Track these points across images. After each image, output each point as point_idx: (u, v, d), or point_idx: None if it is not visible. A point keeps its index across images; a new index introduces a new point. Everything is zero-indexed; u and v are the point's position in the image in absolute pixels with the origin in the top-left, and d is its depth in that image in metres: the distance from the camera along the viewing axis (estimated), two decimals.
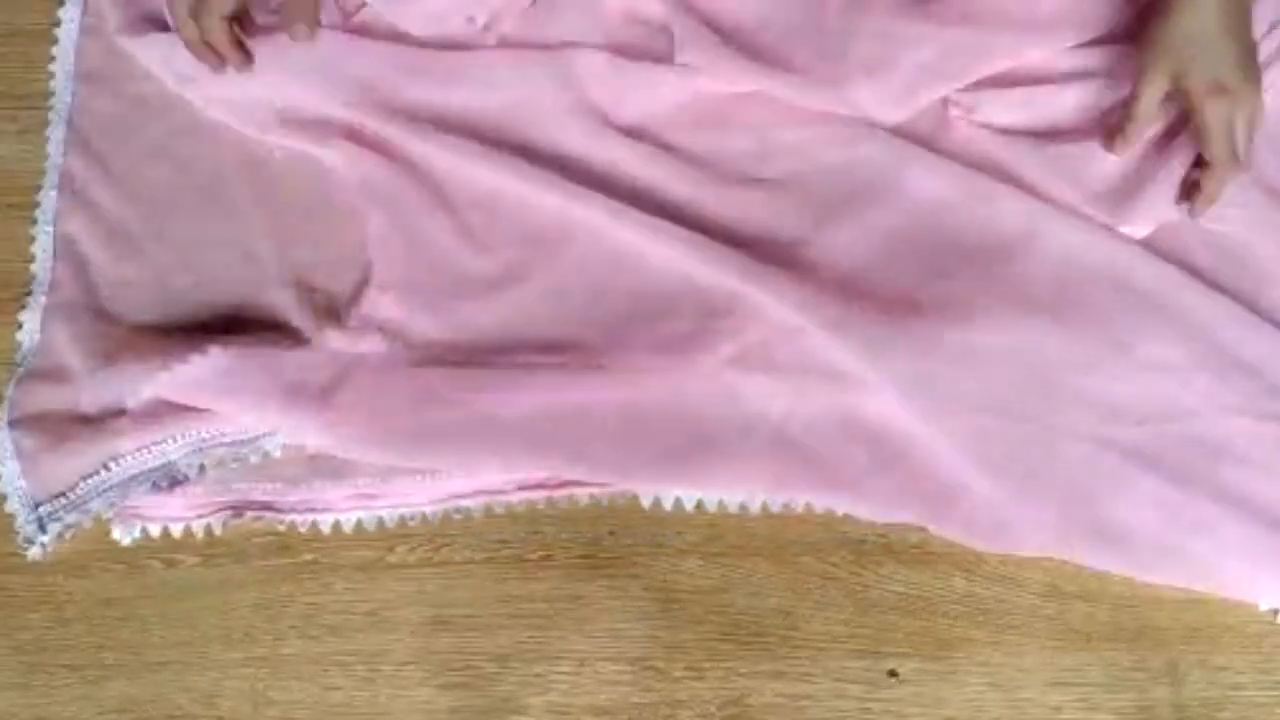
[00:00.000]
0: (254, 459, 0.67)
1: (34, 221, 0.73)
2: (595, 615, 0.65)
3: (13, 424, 0.66)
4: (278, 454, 0.67)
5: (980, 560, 0.66)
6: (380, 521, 0.67)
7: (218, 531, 0.67)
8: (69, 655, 0.65)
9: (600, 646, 0.65)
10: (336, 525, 0.67)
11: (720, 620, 0.65)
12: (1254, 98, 0.64)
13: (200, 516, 0.67)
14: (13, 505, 0.66)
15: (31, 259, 0.72)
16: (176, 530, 0.67)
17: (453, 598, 0.66)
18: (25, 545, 0.65)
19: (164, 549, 0.67)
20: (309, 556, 0.67)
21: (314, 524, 0.67)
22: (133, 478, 0.66)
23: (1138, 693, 0.63)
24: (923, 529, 0.66)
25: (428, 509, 0.67)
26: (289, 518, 0.67)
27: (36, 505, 0.65)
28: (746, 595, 0.66)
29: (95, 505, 0.66)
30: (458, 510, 0.67)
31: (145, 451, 0.66)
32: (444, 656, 0.65)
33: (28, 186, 0.74)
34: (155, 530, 0.67)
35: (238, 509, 0.67)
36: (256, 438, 0.67)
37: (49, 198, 0.73)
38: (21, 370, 0.69)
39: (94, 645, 0.65)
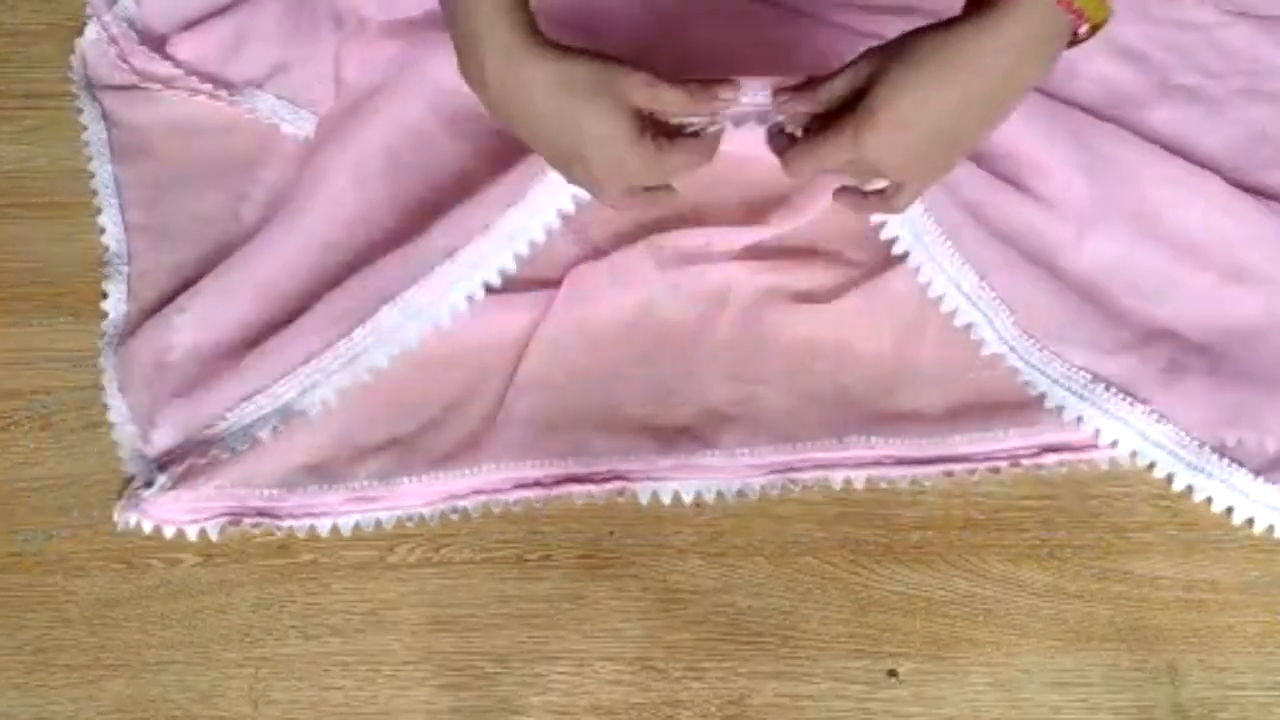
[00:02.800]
0: (366, 377, 0.68)
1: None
2: (595, 615, 0.65)
3: (122, 388, 0.70)
4: (384, 364, 0.68)
5: (980, 560, 0.66)
6: (378, 523, 0.67)
7: (214, 538, 0.67)
8: (69, 655, 0.65)
9: (600, 646, 0.65)
10: (335, 530, 0.67)
11: (720, 620, 0.65)
12: (909, 191, 0.57)
13: (195, 521, 0.67)
14: (125, 454, 0.69)
15: (29, 258, 0.73)
16: (169, 532, 0.67)
17: (453, 598, 0.66)
18: (144, 487, 0.66)
19: (164, 549, 0.67)
20: (308, 557, 0.67)
21: (312, 528, 0.67)
22: (253, 423, 0.67)
23: (1138, 693, 0.63)
24: (922, 529, 0.66)
25: (425, 511, 0.67)
26: (286, 523, 0.67)
27: (155, 458, 0.68)
28: (746, 595, 0.66)
29: (216, 451, 0.67)
30: (455, 511, 0.67)
31: (251, 401, 0.67)
32: (444, 656, 0.65)
33: (28, 188, 0.75)
34: (148, 527, 0.67)
35: (235, 515, 0.67)
36: (363, 352, 0.67)
37: (105, 170, 0.74)
38: (117, 337, 0.71)
39: (94, 645, 0.65)
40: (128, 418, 0.69)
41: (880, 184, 0.58)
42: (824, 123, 0.55)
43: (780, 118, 0.57)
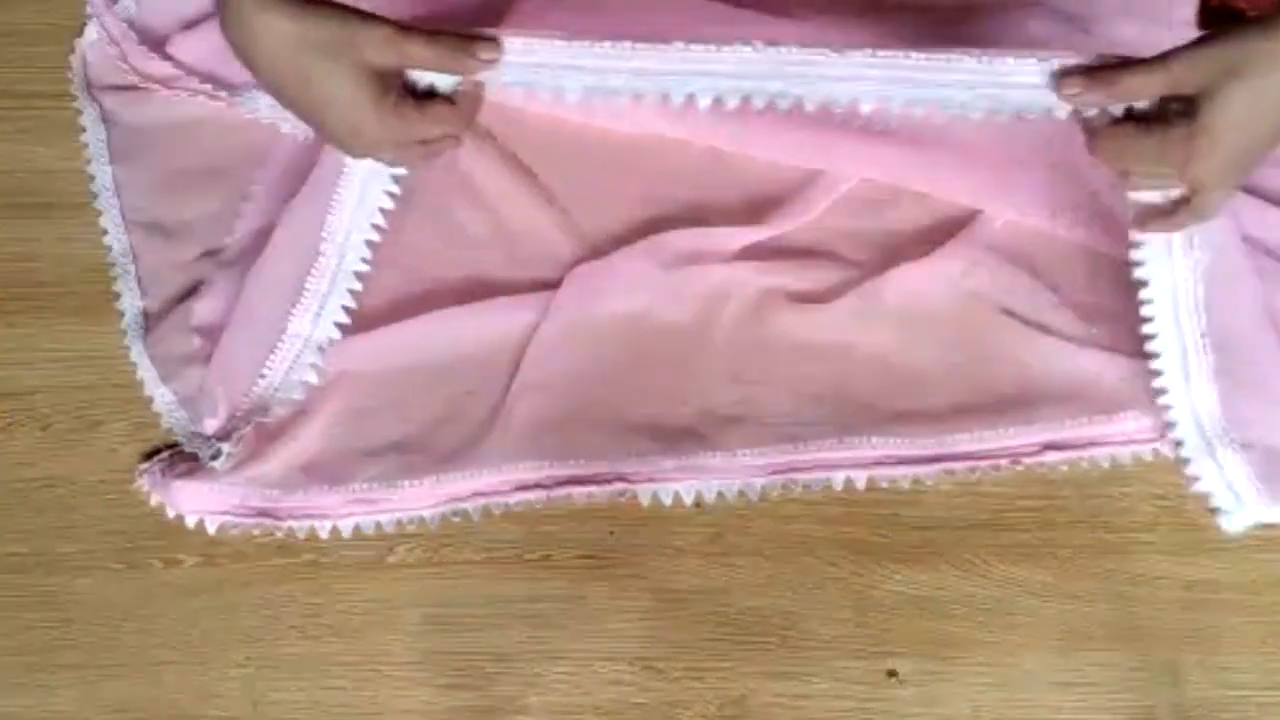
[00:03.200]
0: (357, 286, 0.66)
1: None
2: (595, 615, 0.65)
3: (164, 378, 0.70)
4: (365, 266, 0.65)
5: (980, 560, 0.66)
6: (379, 526, 0.67)
7: (211, 531, 0.67)
8: (69, 655, 0.65)
9: (600, 646, 0.65)
10: (335, 531, 0.67)
11: (720, 620, 0.65)
12: (1212, 197, 0.55)
13: (196, 513, 0.67)
14: (182, 439, 0.69)
15: (29, 258, 0.73)
16: (171, 514, 0.67)
17: (453, 598, 0.66)
18: (209, 461, 0.67)
19: (165, 549, 0.67)
20: (309, 556, 0.67)
21: (312, 530, 0.67)
22: (290, 368, 0.67)
23: (1138, 693, 0.63)
24: (922, 529, 0.66)
25: (426, 513, 0.67)
26: (286, 524, 0.67)
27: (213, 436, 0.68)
28: (746, 595, 0.65)
29: (276, 409, 0.68)
30: (456, 513, 0.67)
31: (275, 351, 0.67)
32: (444, 656, 0.65)
33: (28, 188, 0.75)
34: (154, 501, 0.67)
35: (237, 515, 0.67)
36: (343, 258, 0.65)
37: (104, 172, 0.74)
38: (140, 333, 0.71)
39: (94, 645, 0.65)
40: (176, 404, 0.70)
41: (1172, 190, 0.56)
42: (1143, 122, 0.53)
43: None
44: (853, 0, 0.77)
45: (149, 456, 0.69)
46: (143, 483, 0.68)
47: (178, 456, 0.68)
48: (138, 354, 0.71)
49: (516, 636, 0.65)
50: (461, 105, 0.55)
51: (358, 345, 0.69)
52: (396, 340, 0.70)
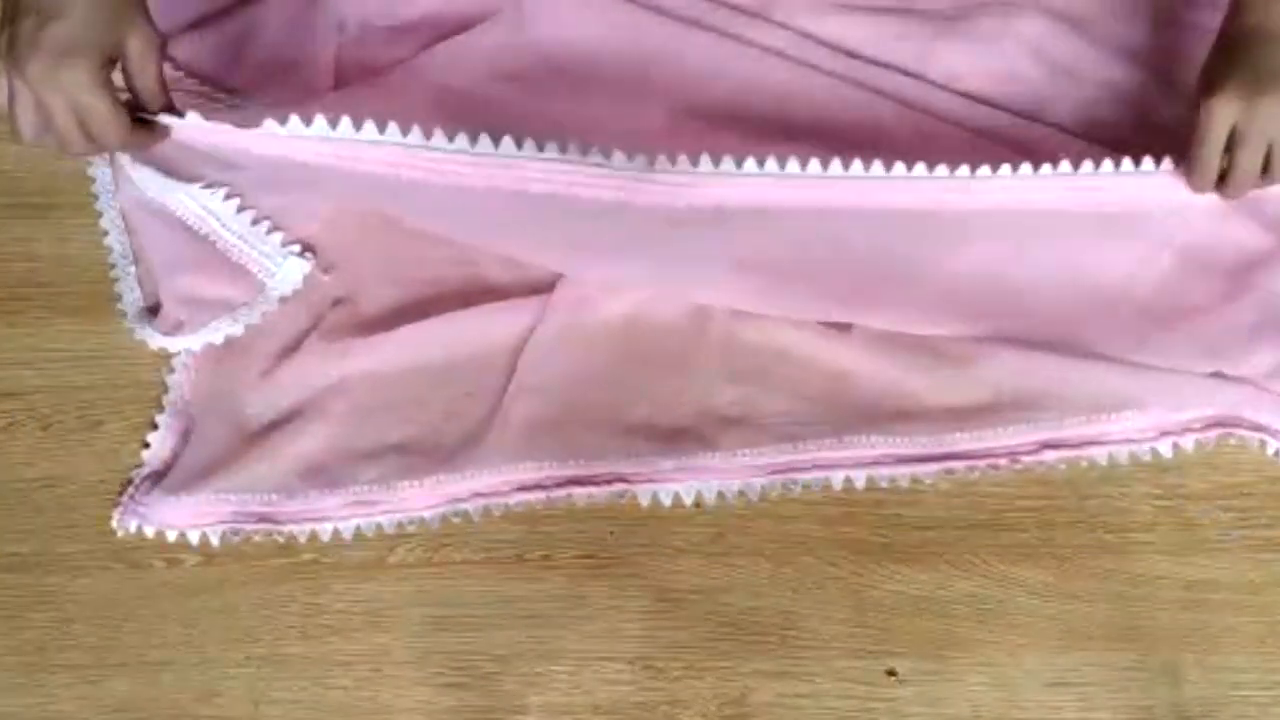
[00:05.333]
0: None
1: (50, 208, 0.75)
2: (595, 615, 0.65)
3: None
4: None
5: (980, 560, 0.66)
6: (379, 528, 0.67)
7: (215, 543, 0.67)
8: (69, 655, 0.65)
9: (600, 646, 0.65)
10: (336, 534, 0.67)
11: (720, 620, 0.65)
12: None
13: (196, 526, 0.67)
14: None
15: (29, 258, 0.73)
16: (172, 535, 0.67)
17: (453, 598, 0.66)
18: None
19: (165, 548, 0.67)
20: (309, 556, 0.67)
21: (313, 533, 0.67)
22: None
23: (1138, 693, 0.63)
24: (922, 529, 0.66)
25: (426, 514, 0.67)
26: (287, 528, 0.67)
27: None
28: (746, 595, 0.66)
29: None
30: (456, 514, 0.67)
31: None
32: (444, 656, 0.65)
33: (28, 189, 0.75)
34: (150, 531, 0.67)
35: (236, 523, 0.67)
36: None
37: (104, 174, 0.74)
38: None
39: (95, 645, 0.65)
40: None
41: None
42: None
43: None
44: (851, 3, 0.77)
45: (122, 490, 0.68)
46: (125, 527, 0.67)
47: (143, 485, 0.68)
48: (145, 334, 0.71)
49: (516, 636, 0.65)
50: (137, 133, 0.59)
51: (358, 349, 0.70)
52: (395, 344, 0.70)
